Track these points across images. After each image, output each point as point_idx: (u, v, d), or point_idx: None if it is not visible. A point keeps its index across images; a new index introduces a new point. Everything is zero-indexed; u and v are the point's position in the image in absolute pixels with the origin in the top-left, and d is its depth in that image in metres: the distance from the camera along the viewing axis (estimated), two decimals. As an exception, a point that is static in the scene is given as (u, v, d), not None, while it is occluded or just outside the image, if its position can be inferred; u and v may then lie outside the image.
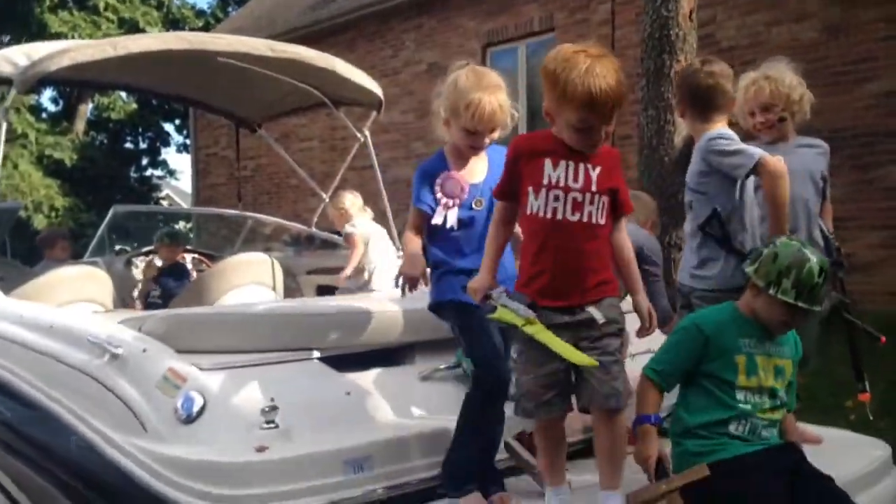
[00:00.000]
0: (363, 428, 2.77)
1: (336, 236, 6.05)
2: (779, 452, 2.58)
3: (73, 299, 4.56)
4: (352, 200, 5.66)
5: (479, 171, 2.81)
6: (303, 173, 6.20)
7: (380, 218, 5.80)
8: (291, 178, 12.67)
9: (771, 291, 2.54)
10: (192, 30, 20.49)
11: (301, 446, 2.60)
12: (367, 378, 3.04)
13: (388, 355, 3.18)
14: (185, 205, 23.53)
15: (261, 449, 2.53)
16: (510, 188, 2.51)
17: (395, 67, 12.12)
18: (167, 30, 20.10)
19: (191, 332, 3.08)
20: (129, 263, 5.96)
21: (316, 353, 3.05)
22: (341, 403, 2.87)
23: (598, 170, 2.43)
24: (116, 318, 3.38)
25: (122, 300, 5.17)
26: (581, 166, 2.42)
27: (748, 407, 2.55)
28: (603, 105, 2.31)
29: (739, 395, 2.55)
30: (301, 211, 11.54)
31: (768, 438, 2.59)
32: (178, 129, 23.23)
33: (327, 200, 5.85)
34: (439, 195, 2.74)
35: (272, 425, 2.62)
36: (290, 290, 5.43)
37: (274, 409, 2.63)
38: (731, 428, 2.54)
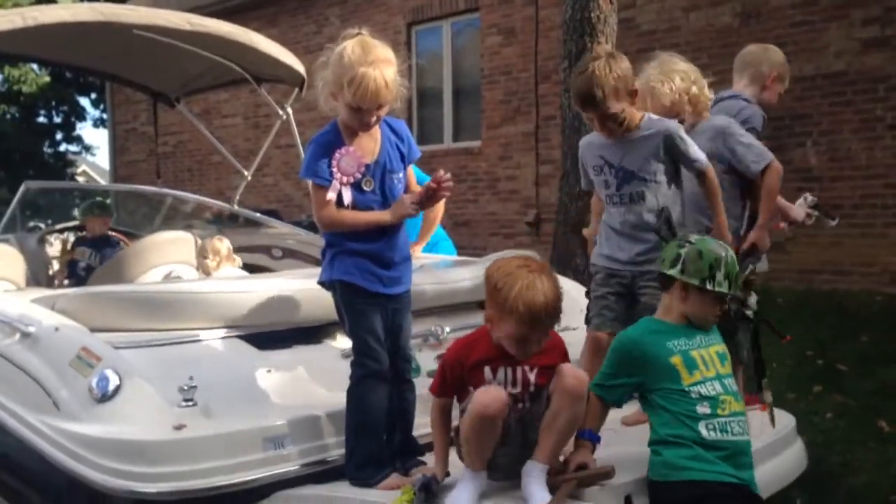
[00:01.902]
0: (284, 405, 2.77)
1: (260, 214, 5.98)
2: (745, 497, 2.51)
3: (-17, 278, 4.41)
4: (215, 250, 4.86)
5: (370, 149, 2.73)
6: (224, 150, 6.10)
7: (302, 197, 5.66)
8: (214, 156, 12.43)
9: (708, 286, 2.55)
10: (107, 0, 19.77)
11: (220, 424, 2.59)
12: (288, 356, 3.05)
13: (309, 334, 3.19)
14: (102, 182, 22.80)
15: (179, 427, 2.52)
16: (452, 390, 2.58)
17: (320, 44, 11.89)
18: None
19: (106, 310, 3.02)
20: (42, 241, 5.77)
21: (236, 332, 3.04)
22: (262, 381, 2.87)
23: (535, 371, 2.50)
24: (29, 296, 3.29)
25: (35, 278, 5.01)
26: (519, 370, 2.50)
27: (706, 405, 2.51)
28: (541, 321, 2.40)
29: (694, 395, 2.51)
30: (224, 189, 11.34)
31: (741, 436, 2.53)
32: (95, 104, 22.48)
33: (248, 178, 5.77)
34: (335, 170, 2.64)
35: (191, 403, 2.60)
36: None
37: (192, 387, 2.61)
38: (703, 432, 2.49)
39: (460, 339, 2.71)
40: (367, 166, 2.70)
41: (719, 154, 3.42)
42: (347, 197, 2.66)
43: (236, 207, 5.86)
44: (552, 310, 2.42)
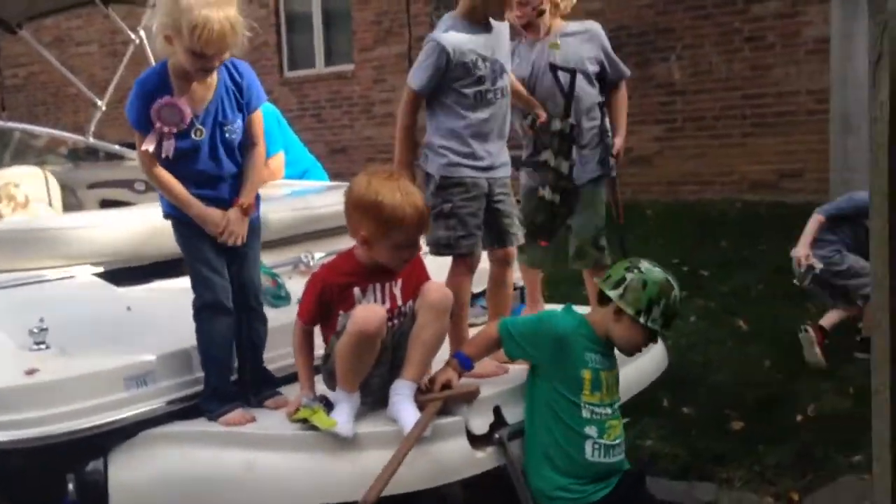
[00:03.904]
0: (145, 342, 2.66)
1: (120, 147, 5.68)
2: (624, 489, 2.58)
3: None
4: (10, 196, 4.39)
5: (201, 97, 2.58)
6: (74, 79, 5.72)
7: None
8: (69, 88, 11.69)
9: (641, 319, 2.52)
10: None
11: (77, 365, 2.48)
12: (148, 291, 2.94)
13: (170, 267, 3.07)
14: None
15: (31, 372, 2.40)
16: (318, 316, 2.57)
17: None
18: None
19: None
20: None
21: (91, 269, 2.91)
22: (121, 319, 2.75)
23: (399, 283, 2.56)
24: None
25: None
26: (386, 287, 2.55)
27: (594, 427, 2.53)
28: (426, 220, 2.52)
29: (585, 413, 2.53)
30: (83, 123, 10.51)
31: (619, 456, 2.59)
32: (-66, 35, 20.75)
33: (103, 108, 5.44)
34: (155, 120, 2.51)
35: (42, 346, 2.48)
36: (71, 206, 5.06)
37: (44, 329, 2.49)
38: (588, 452, 2.52)
39: (326, 264, 2.70)
40: (197, 116, 2.56)
41: (596, 57, 3.61)
42: (168, 148, 2.52)
43: (91, 140, 5.55)
44: (428, 209, 2.55)
